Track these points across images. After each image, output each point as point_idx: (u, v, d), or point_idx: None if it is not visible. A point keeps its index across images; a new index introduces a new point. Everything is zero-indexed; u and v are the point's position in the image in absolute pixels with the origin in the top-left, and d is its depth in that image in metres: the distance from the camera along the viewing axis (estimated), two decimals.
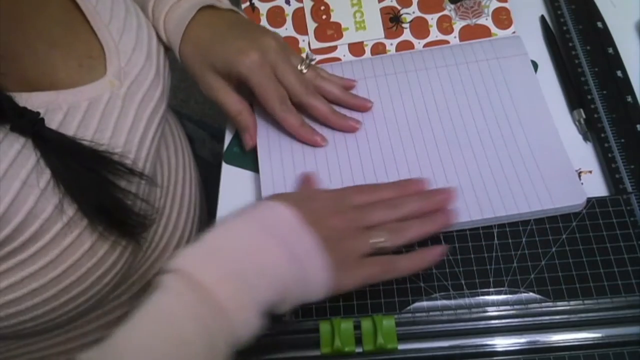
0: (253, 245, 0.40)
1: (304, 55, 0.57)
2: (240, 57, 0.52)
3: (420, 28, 0.62)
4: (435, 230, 0.47)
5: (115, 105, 0.48)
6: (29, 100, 0.42)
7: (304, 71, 0.55)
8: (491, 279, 0.48)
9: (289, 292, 0.40)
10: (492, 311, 0.46)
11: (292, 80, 0.54)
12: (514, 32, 0.61)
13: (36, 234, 0.42)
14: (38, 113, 0.42)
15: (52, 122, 0.43)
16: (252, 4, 0.64)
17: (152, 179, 0.52)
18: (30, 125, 0.41)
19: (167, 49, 0.59)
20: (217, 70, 0.55)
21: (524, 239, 0.49)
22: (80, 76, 0.48)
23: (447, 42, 0.61)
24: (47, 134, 0.42)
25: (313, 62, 0.57)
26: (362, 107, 0.57)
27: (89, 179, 0.44)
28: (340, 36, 0.63)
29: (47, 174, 0.42)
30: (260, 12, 0.64)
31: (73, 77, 0.47)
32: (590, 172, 0.53)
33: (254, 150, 0.57)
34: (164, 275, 0.37)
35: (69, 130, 0.44)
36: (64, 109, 0.44)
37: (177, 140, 0.63)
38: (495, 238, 0.49)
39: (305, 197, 0.46)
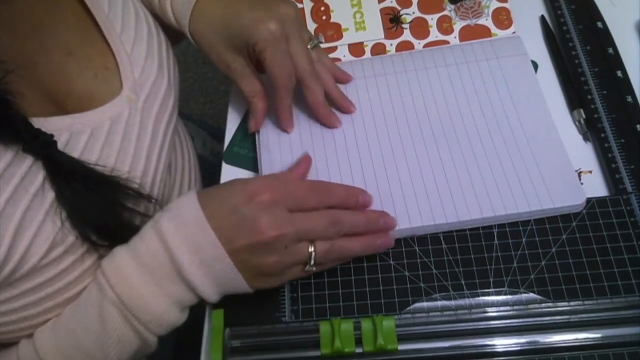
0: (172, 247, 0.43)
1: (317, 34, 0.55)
2: (258, 26, 0.49)
3: (420, 28, 0.62)
4: (374, 251, 0.48)
5: (135, 121, 0.48)
6: (53, 123, 0.42)
7: (309, 49, 0.54)
8: (491, 279, 0.48)
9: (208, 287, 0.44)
10: (492, 312, 0.46)
11: (302, 58, 0.52)
12: (514, 32, 0.61)
13: (58, 259, 0.42)
14: (52, 135, 0.41)
15: (78, 144, 0.43)
16: None
17: (163, 200, 0.53)
18: (42, 148, 0.40)
19: (176, 42, 0.57)
20: (234, 46, 0.52)
21: (524, 239, 0.49)
22: (95, 86, 0.48)
23: (447, 42, 0.61)
24: (59, 157, 0.41)
25: (320, 44, 0.55)
26: (346, 109, 0.57)
27: (99, 204, 0.43)
28: (340, 37, 0.63)
29: (65, 208, 0.42)
30: None
31: (88, 87, 0.47)
32: (590, 172, 0.53)
33: (254, 150, 0.57)
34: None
35: (93, 152, 0.44)
36: (88, 131, 0.44)
37: (182, 140, 0.63)
38: (495, 238, 0.49)
39: (242, 201, 0.43)
